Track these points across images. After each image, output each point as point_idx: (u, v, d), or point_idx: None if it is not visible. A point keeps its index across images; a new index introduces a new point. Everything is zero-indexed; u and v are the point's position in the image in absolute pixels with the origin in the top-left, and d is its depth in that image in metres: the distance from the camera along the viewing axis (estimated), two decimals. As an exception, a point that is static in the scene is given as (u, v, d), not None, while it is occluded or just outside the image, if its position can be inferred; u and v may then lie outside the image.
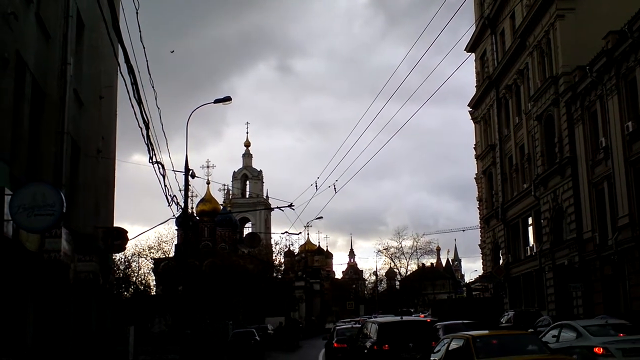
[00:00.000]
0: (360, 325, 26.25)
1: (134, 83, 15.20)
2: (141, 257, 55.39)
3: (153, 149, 19.20)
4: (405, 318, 22.78)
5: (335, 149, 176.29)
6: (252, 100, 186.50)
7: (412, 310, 68.08)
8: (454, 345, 13.23)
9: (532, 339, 13.79)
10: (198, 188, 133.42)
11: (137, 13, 14.42)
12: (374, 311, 71.22)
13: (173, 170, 27.62)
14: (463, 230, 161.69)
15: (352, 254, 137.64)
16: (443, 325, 22.70)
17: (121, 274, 47.00)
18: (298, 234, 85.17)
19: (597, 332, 16.74)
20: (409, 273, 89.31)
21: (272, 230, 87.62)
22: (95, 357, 20.74)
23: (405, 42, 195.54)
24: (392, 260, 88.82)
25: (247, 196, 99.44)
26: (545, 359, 12.55)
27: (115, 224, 25.00)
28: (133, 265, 52.98)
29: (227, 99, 27.64)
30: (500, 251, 47.88)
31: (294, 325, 47.20)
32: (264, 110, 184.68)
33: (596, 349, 15.53)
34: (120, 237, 21.80)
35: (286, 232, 57.74)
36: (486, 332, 16.14)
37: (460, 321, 23.95)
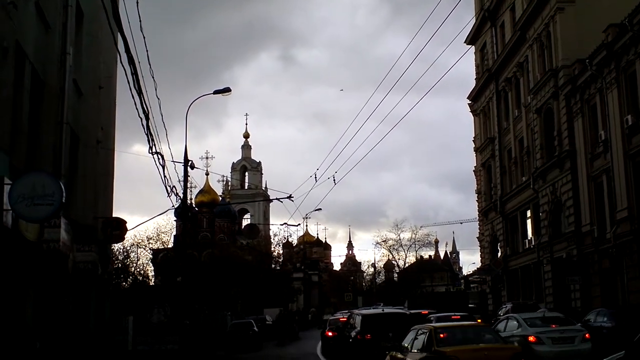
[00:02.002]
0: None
1: (134, 73, 15.20)
2: (140, 247, 55.40)
3: (153, 140, 19.24)
4: (386, 310, 25.19)
5: (337, 140, 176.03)
6: (254, 91, 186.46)
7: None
8: (420, 335, 14.64)
9: (487, 330, 15.65)
10: (197, 179, 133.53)
11: (137, 2, 14.41)
12: (373, 303, 71.21)
13: (172, 161, 27.65)
14: (461, 223, 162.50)
15: (350, 245, 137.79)
16: (436, 317, 24.35)
17: (120, 264, 47.04)
18: (297, 226, 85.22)
19: (533, 323, 19.20)
20: (407, 265, 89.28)
21: (271, 221, 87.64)
22: (94, 347, 20.80)
23: (409, 33, 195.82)
24: (390, 252, 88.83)
25: (246, 187, 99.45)
26: (497, 347, 14.08)
27: (115, 214, 25.01)
28: (132, 256, 53.01)
29: (227, 89, 27.65)
30: (499, 244, 47.94)
31: (290, 316, 46.31)
32: (265, 100, 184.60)
33: (530, 338, 18.09)
34: (119, 228, 21.81)
35: (285, 223, 57.81)
36: (447, 324, 18.25)
37: (452, 313, 25.94)
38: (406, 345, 15.04)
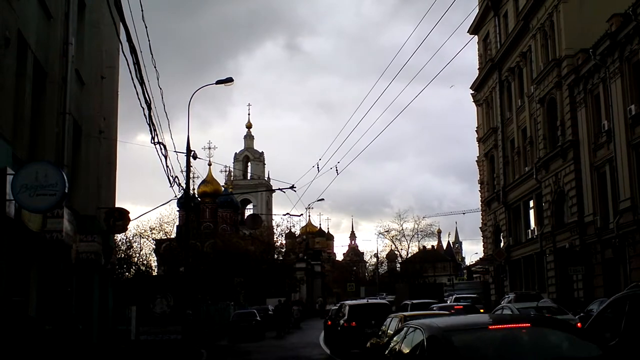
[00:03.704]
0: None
1: (136, 63, 15.17)
2: (143, 237, 55.45)
3: (155, 130, 19.22)
4: (370, 301, 28.27)
5: (340, 129, 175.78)
6: (259, 80, 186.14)
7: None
8: (393, 321, 16.03)
9: None
10: (200, 169, 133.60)
11: (139, -8, 14.35)
12: (376, 293, 71.34)
13: (175, 151, 27.65)
14: (463, 213, 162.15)
15: (353, 235, 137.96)
16: (438, 307, 26.10)
17: (123, 255, 47.05)
18: (299, 216, 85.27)
19: (526, 313, 19.27)
20: (409, 255, 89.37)
21: (274, 211, 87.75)
22: (97, 336, 20.85)
23: (416, 22, 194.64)
24: (393, 242, 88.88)
25: (249, 178, 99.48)
26: None
27: (119, 204, 25.00)
28: (135, 246, 53.01)
29: (229, 80, 27.60)
30: (502, 234, 47.94)
31: (288, 307, 44.20)
32: (270, 89, 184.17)
33: None
34: (122, 218, 21.79)
35: (287, 213, 57.80)
36: (415, 312, 19.67)
37: (453, 303, 28.54)
38: (384, 330, 16.49)
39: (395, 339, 8.36)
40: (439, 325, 7.63)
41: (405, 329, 8.26)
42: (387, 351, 8.61)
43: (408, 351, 7.81)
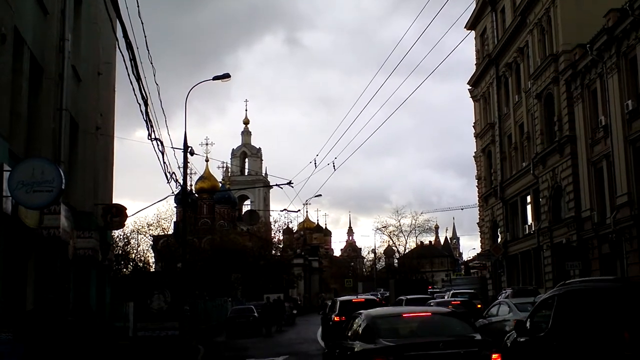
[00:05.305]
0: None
1: (133, 59, 15.15)
2: (140, 234, 55.46)
3: (152, 126, 19.21)
4: (359, 296, 30.40)
5: (338, 124, 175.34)
6: (258, 75, 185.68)
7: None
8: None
9: None
10: (197, 165, 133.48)
11: (135, -12, 14.31)
12: (374, 289, 71.42)
13: (172, 148, 27.63)
14: (462, 209, 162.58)
15: (350, 231, 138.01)
16: (435, 302, 27.27)
17: (120, 251, 47.07)
18: (297, 212, 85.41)
19: (523, 308, 19.82)
20: (407, 251, 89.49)
21: (271, 207, 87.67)
22: (95, 333, 20.83)
23: (416, 15, 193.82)
24: (390, 238, 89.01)
25: (246, 174, 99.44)
26: None
27: (116, 201, 25.03)
28: (132, 242, 53.05)
29: (226, 75, 27.58)
30: (499, 229, 47.97)
31: (279, 305, 41.48)
32: (269, 84, 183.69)
33: None
34: (119, 214, 21.83)
35: (285, 209, 57.87)
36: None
37: (452, 299, 29.40)
38: None
39: (354, 321, 11.50)
40: (372, 314, 11.18)
41: (358, 316, 11.41)
42: (350, 332, 11.38)
43: (357, 331, 10.92)
